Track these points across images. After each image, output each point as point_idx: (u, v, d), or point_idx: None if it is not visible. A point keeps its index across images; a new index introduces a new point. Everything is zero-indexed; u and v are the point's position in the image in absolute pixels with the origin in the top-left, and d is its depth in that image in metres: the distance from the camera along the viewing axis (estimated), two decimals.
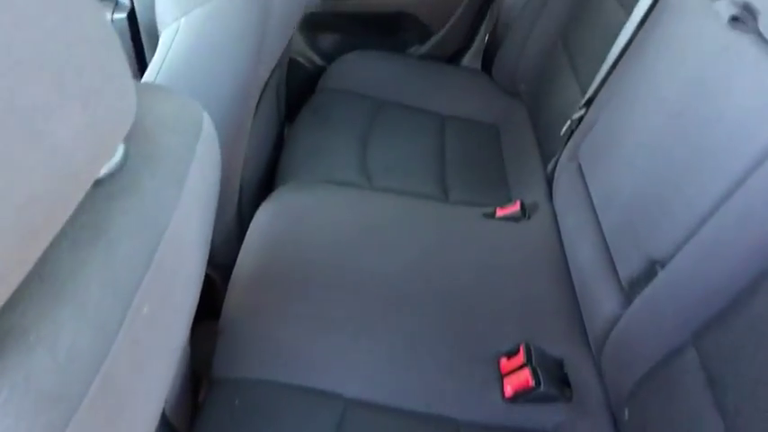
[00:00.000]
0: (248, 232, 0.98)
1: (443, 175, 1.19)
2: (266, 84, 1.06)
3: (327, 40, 1.59)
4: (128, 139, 0.41)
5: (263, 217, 1.00)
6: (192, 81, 0.86)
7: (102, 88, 0.33)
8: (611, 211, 0.80)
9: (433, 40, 1.56)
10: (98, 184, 0.38)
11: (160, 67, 0.85)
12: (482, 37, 1.55)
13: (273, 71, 1.10)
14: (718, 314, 0.56)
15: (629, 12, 0.95)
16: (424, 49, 1.57)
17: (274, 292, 0.85)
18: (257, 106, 1.04)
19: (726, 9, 0.62)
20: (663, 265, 0.66)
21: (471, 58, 1.60)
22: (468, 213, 1.08)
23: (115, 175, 0.39)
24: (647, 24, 0.85)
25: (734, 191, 0.57)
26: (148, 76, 0.86)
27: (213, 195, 0.54)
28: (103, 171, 0.39)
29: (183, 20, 0.83)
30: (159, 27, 0.87)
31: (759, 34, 0.60)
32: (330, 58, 1.52)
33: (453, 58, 1.61)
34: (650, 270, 0.68)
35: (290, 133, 1.28)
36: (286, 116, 1.42)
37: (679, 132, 0.67)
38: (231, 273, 0.93)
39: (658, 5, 0.83)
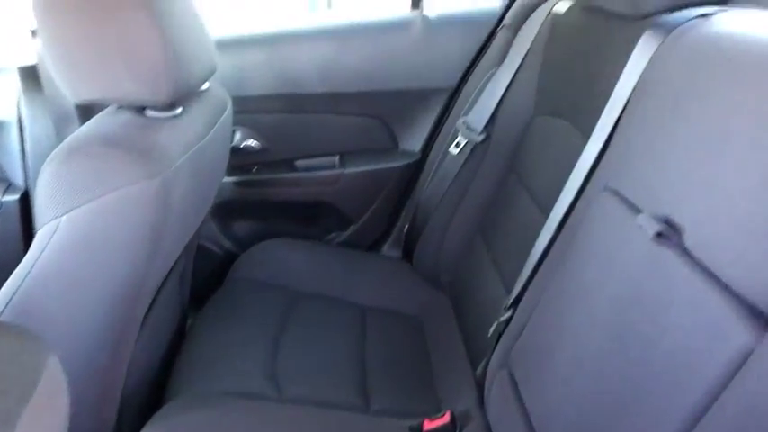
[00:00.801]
0: None
1: (364, 378, 1.07)
2: (169, 272, 0.95)
3: (242, 227, 1.53)
4: None
5: None
6: (65, 290, 0.73)
7: None
8: None
9: (353, 228, 1.53)
10: None
11: (28, 273, 0.73)
12: (401, 226, 1.54)
13: (178, 259, 1.00)
14: None
15: (544, 210, 0.95)
16: (344, 237, 1.54)
17: None
18: (156, 297, 0.92)
19: (649, 224, 0.60)
20: None
21: (391, 247, 1.57)
22: (394, 427, 0.94)
23: None
24: (566, 229, 0.84)
25: (693, 426, 0.50)
26: (10, 282, 0.73)
27: None
28: None
29: (64, 218, 0.73)
30: (36, 225, 0.76)
31: (685, 250, 0.57)
32: (244, 245, 1.44)
33: (373, 247, 1.58)
34: None
35: (190, 331, 1.14)
36: (191, 307, 1.29)
37: (620, 357, 0.60)
38: None
39: (576, 210, 0.82)
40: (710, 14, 0.75)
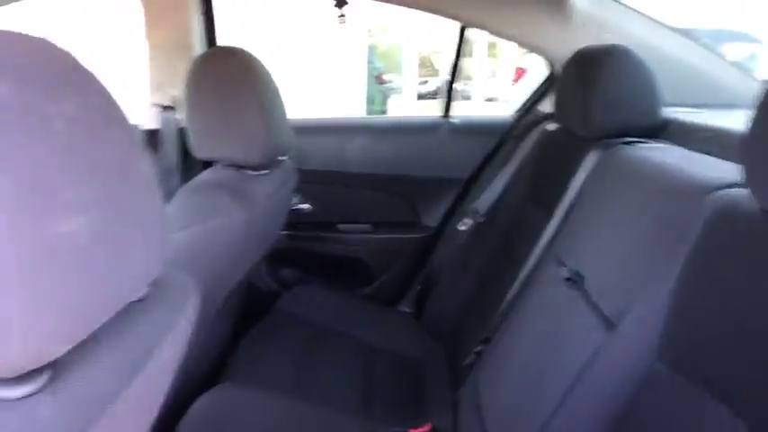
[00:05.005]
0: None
1: (370, 393, 1.35)
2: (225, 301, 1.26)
3: (286, 272, 1.86)
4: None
5: (197, 412, 1.09)
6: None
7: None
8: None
9: (375, 284, 1.85)
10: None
11: None
12: (416, 287, 1.84)
13: (234, 290, 1.31)
14: None
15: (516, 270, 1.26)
16: (366, 291, 1.85)
17: None
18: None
19: (564, 273, 0.91)
20: None
21: (405, 305, 1.87)
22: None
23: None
24: (522, 293, 1.15)
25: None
26: None
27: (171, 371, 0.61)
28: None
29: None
30: None
31: (585, 291, 0.87)
32: (286, 286, 1.77)
33: (390, 303, 1.88)
34: None
35: (242, 343, 1.44)
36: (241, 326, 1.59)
37: (538, 361, 0.90)
38: None
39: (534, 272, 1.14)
40: (635, 143, 1.08)
